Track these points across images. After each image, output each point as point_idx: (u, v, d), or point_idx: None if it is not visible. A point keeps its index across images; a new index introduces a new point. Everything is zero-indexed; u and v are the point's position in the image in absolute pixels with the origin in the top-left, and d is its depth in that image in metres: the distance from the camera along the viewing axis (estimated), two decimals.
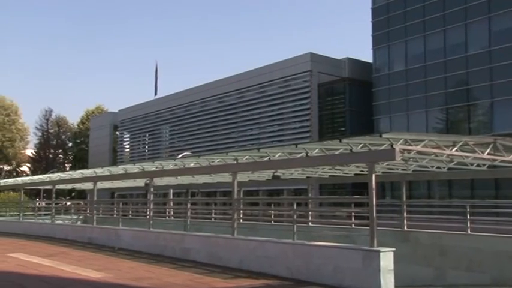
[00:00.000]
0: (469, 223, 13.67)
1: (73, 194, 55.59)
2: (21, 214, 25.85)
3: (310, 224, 16.66)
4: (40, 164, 64.61)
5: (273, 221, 18.81)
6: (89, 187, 26.24)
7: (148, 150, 52.99)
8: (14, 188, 32.19)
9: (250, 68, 41.16)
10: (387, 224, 14.78)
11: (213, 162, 14.19)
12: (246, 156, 13.01)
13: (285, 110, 37.95)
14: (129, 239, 16.02)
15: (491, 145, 11.25)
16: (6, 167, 60.42)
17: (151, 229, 15.35)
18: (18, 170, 64.80)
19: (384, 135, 9.53)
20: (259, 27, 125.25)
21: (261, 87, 39.68)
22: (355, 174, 16.62)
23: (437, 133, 26.05)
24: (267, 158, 12.52)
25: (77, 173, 22.82)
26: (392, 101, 33.63)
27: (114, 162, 52.01)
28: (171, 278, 10.28)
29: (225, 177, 17.56)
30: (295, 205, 11.98)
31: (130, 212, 21.72)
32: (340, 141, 10.32)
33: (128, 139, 56.77)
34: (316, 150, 11.32)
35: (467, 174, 16.36)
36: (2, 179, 40.69)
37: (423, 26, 32.19)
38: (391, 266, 8.66)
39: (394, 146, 9.22)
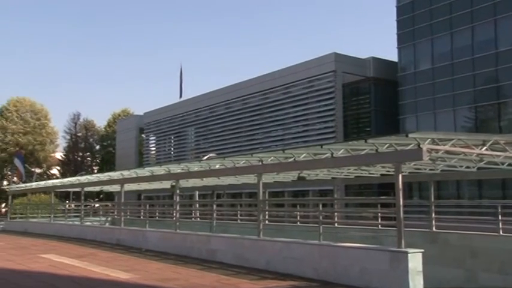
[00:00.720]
0: (500, 224, 13.35)
1: (101, 196, 56.48)
2: (52, 216, 26.46)
3: (336, 225, 16.58)
4: (69, 166, 65.94)
5: (298, 222, 18.76)
6: (117, 189, 26.67)
7: (174, 152, 53.50)
8: (45, 190, 32.95)
9: (274, 70, 41.18)
10: (415, 225, 14.56)
11: (238, 163, 14.24)
12: (271, 158, 13.00)
13: (309, 110, 37.78)
14: (156, 240, 16.21)
15: None
16: (38, 170, 61.85)
17: (178, 230, 15.51)
18: (48, 172, 66.25)
19: (410, 135, 9.40)
20: (282, 28, 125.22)
21: (285, 88, 39.61)
22: (382, 175, 16.44)
23: (466, 132, 25.53)
24: (292, 159, 12.49)
25: (105, 176, 23.21)
26: (418, 100, 33.12)
27: (140, 164, 52.70)
28: (198, 279, 10.36)
29: (250, 179, 17.61)
30: (320, 206, 11.93)
31: (157, 214, 21.99)
32: (366, 142, 10.23)
33: (154, 141, 57.42)
34: (342, 150, 11.24)
35: (497, 174, 15.95)
36: (33, 181, 41.70)
37: (450, 23, 31.60)
38: (420, 267, 8.53)
39: (421, 146, 9.09)
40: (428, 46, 33.00)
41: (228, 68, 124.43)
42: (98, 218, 28.80)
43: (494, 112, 30.05)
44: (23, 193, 34.98)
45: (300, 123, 38.44)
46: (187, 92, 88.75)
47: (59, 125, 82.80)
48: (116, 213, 24.65)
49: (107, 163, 65.53)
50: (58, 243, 19.32)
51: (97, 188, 30.18)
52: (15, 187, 35.36)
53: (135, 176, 19.89)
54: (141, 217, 20.57)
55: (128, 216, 21.07)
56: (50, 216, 26.63)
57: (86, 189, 25.36)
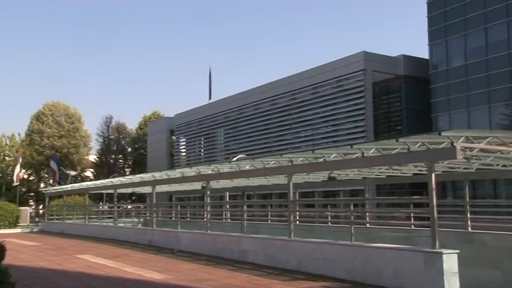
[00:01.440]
0: None
1: (133, 197, 57.50)
2: (86, 217, 27.09)
3: (367, 225, 16.38)
4: (102, 169, 67.34)
5: (329, 223, 18.63)
6: (148, 191, 27.08)
7: (204, 154, 53.98)
8: (80, 192, 33.79)
9: (303, 69, 41.07)
10: (449, 225, 14.25)
11: (267, 164, 14.25)
12: (301, 158, 12.96)
13: (338, 110, 37.51)
14: (188, 241, 16.39)
15: None
16: (72, 173, 63.46)
17: (209, 231, 15.64)
18: (82, 175, 67.84)
19: (443, 133, 9.22)
20: (310, 28, 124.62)
21: (313, 88, 39.45)
22: (414, 174, 16.15)
23: (502, 130, 24.81)
24: (322, 159, 12.42)
25: (137, 177, 23.60)
26: (451, 97, 32.41)
27: (171, 166, 53.40)
28: (229, 279, 10.43)
29: (280, 179, 17.60)
30: (352, 206, 11.82)
31: (188, 215, 22.22)
32: (397, 141, 10.08)
33: (184, 143, 58.10)
34: (372, 150, 11.11)
35: None
36: (68, 183, 42.80)
37: (484, 18, 30.80)
38: (456, 268, 8.36)
39: (454, 144, 8.90)
40: (461, 42, 32.28)
41: (256, 68, 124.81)
42: (130, 219, 29.37)
43: None
44: (59, 195, 35.94)
45: (329, 123, 38.20)
46: (216, 93, 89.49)
47: (92, 128, 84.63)
48: (148, 214, 25.07)
49: (139, 165, 66.64)
50: (93, 244, 19.78)
51: (129, 190, 30.72)
52: (51, 189, 36.38)
53: (166, 177, 20.15)
54: (173, 218, 20.82)
55: (160, 218, 21.38)
56: (84, 218, 27.27)
57: (118, 191, 25.86)
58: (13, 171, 43.36)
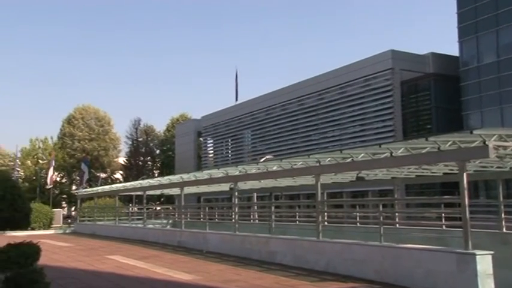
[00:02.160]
0: None
1: (162, 199, 58.24)
2: (117, 219, 27.57)
3: (397, 225, 16.14)
4: (131, 171, 68.41)
5: (358, 223, 18.44)
6: (177, 192, 27.38)
7: (232, 155, 54.19)
8: (110, 194, 34.43)
9: (330, 69, 40.78)
10: (482, 226, 13.89)
11: (295, 165, 14.21)
12: (329, 158, 12.87)
13: (366, 110, 37.08)
14: (216, 242, 16.48)
15: None
16: (102, 175, 64.80)
17: (237, 232, 15.69)
18: (112, 177, 69.14)
19: (475, 132, 9.00)
20: (336, 27, 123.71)
21: (340, 87, 39.12)
22: (444, 174, 15.82)
23: None
24: (350, 159, 12.30)
25: (165, 179, 23.88)
26: (483, 95, 31.61)
27: (199, 167, 53.81)
28: (257, 280, 10.44)
29: (308, 180, 17.50)
30: (381, 206, 11.67)
31: (216, 216, 22.34)
32: (427, 140, 9.91)
33: (212, 145, 58.46)
34: (401, 149, 10.94)
35: None
36: (99, 186, 43.68)
37: None
38: (490, 270, 8.15)
39: (487, 143, 8.69)
40: (493, 38, 31.44)
41: (283, 69, 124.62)
42: (159, 221, 29.75)
43: None
44: (90, 197, 36.71)
45: (357, 122, 37.79)
46: (243, 94, 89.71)
47: (121, 130, 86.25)
48: (176, 215, 25.32)
49: (167, 167, 67.40)
50: (123, 245, 20.12)
51: (158, 192, 31.12)
52: (83, 191, 37.20)
53: (194, 179, 20.32)
54: (201, 219, 20.97)
55: (188, 219, 21.57)
56: (114, 219, 27.75)
57: (147, 192, 26.23)
58: (46, 174, 44.50)
